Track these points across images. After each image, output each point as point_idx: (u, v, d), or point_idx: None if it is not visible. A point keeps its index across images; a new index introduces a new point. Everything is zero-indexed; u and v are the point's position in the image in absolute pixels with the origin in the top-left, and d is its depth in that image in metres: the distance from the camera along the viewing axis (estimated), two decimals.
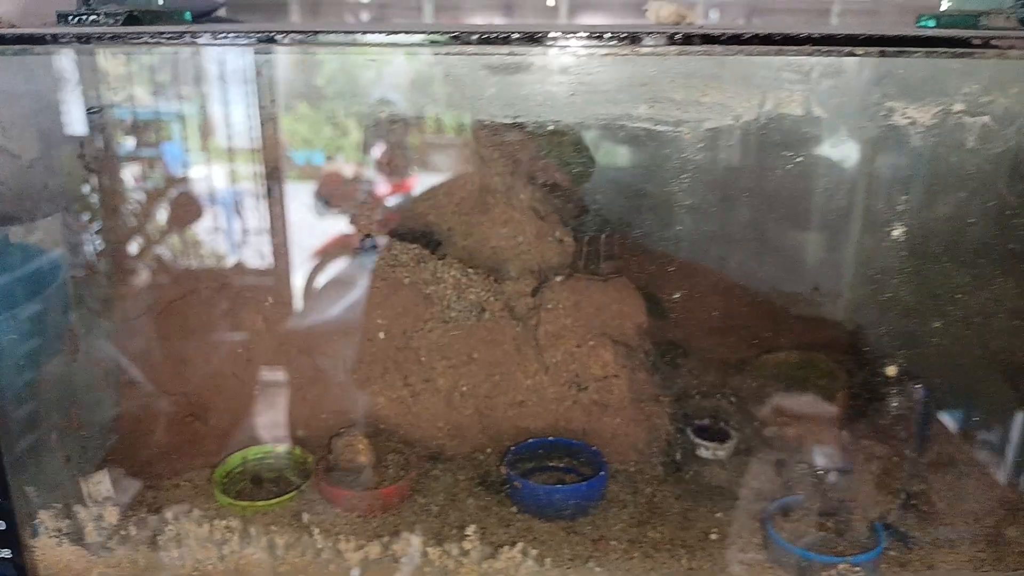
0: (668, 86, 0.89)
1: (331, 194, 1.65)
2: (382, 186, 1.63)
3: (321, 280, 1.57)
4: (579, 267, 1.60)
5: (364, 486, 1.30)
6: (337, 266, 1.59)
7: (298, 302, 1.50)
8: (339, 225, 1.54)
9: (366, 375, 1.46)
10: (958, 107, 0.89)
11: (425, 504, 1.32)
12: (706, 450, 1.51)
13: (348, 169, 1.61)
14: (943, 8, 1.63)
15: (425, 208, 1.58)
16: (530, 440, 1.42)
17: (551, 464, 1.42)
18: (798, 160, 1.13)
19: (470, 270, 1.50)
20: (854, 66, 0.88)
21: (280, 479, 1.39)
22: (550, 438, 1.43)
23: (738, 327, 1.83)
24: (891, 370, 1.31)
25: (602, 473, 1.33)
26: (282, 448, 1.42)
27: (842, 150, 1.17)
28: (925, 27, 1.52)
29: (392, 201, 1.63)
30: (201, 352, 1.48)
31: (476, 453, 1.46)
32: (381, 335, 1.45)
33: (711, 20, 1.98)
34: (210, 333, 1.45)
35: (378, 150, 1.62)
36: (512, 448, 1.40)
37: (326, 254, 1.67)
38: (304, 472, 1.38)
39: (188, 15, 1.51)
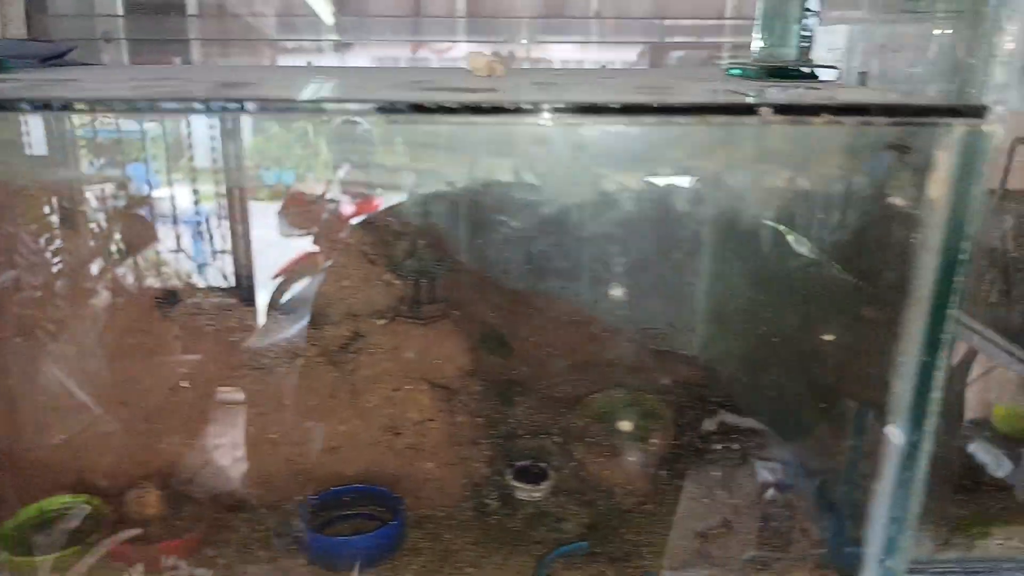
0: (379, 151, 0.90)
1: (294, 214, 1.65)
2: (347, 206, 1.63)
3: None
4: (402, 311, 1.61)
5: (147, 540, 1.29)
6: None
7: (104, 349, 1.48)
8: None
9: (171, 424, 1.44)
10: (666, 171, 0.91)
11: (214, 557, 1.31)
12: (522, 492, 1.52)
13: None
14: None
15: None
16: (333, 488, 1.42)
17: (355, 512, 1.41)
18: (512, 224, 1.15)
19: (282, 316, 1.49)
20: (560, 134, 0.90)
21: (77, 531, 1.37)
22: (355, 485, 1.43)
23: (589, 363, 1.86)
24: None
25: (394, 523, 1.33)
26: (82, 498, 1.40)
27: (554, 212, 1.20)
28: (732, 75, 1.56)
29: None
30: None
31: (284, 502, 1.45)
32: (185, 384, 1.44)
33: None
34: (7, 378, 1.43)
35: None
36: (311, 497, 1.39)
37: (289, 274, 1.67)
38: (101, 524, 1.36)
39: (7, 63, 1.46)
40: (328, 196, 1.59)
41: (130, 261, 1.51)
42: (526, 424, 1.68)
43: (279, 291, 1.66)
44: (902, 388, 1.02)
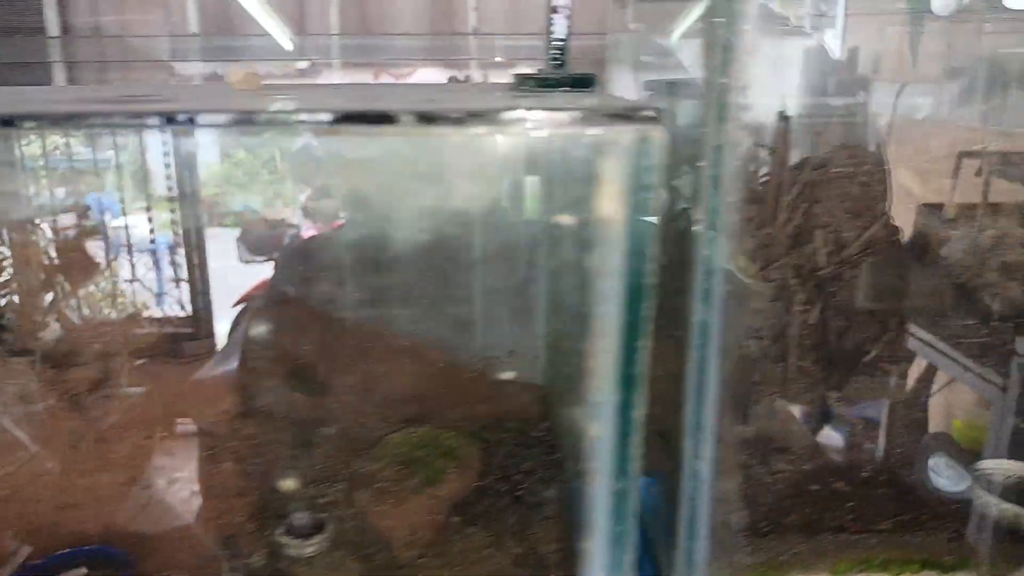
0: None
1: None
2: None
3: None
4: (164, 349, 1.48)
5: None
6: None
7: None
8: None
9: None
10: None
11: None
12: (290, 548, 1.37)
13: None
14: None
15: None
16: (61, 552, 1.27)
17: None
18: None
19: (13, 358, 1.35)
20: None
21: None
22: (85, 547, 1.28)
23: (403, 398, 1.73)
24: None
25: None
26: None
27: None
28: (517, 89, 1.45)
29: None
30: None
31: (10, 567, 1.31)
32: None
33: None
34: None
35: None
36: (34, 563, 1.25)
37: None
38: None
39: None
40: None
41: None
42: (313, 470, 1.54)
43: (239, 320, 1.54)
44: (600, 431, 0.89)
